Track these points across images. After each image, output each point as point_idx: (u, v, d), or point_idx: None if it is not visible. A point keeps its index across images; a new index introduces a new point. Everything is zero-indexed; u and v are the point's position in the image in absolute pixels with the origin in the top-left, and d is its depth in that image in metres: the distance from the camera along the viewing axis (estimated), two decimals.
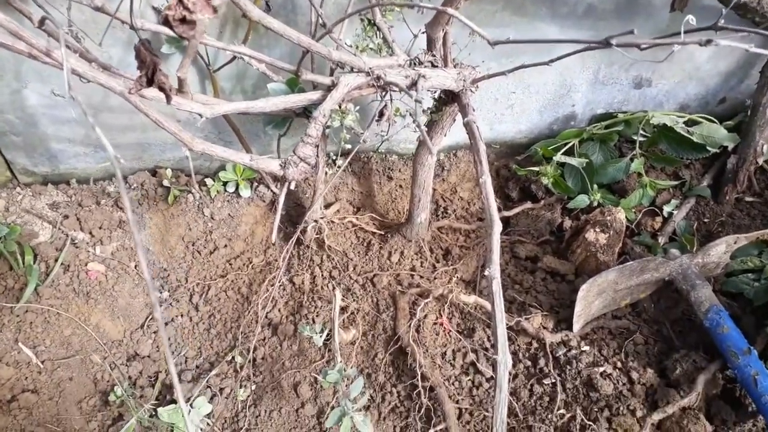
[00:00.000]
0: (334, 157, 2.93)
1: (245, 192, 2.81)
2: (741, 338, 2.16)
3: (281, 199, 1.96)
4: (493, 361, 1.58)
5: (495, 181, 3.15)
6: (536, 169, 2.89)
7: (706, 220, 2.90)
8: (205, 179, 2.85)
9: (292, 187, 2.05)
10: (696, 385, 2.18)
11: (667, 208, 2.90)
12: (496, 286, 1.61)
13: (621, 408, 2.24)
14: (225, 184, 2.82)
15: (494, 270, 1.64)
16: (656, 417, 2.17)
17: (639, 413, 2.23)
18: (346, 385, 2.08)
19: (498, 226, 1.79)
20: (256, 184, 2.87)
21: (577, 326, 2.39)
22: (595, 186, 2.85)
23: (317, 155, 2.58)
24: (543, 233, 2.85)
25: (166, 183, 2.76)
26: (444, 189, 3.09)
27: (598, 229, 2.52)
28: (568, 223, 2.85)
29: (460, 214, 3.03)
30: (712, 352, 2.32)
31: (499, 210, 2.96)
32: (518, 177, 3.04)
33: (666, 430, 2.16)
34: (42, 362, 2.22)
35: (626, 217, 2.62)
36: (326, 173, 2.88)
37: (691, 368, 2.26)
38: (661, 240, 2.73)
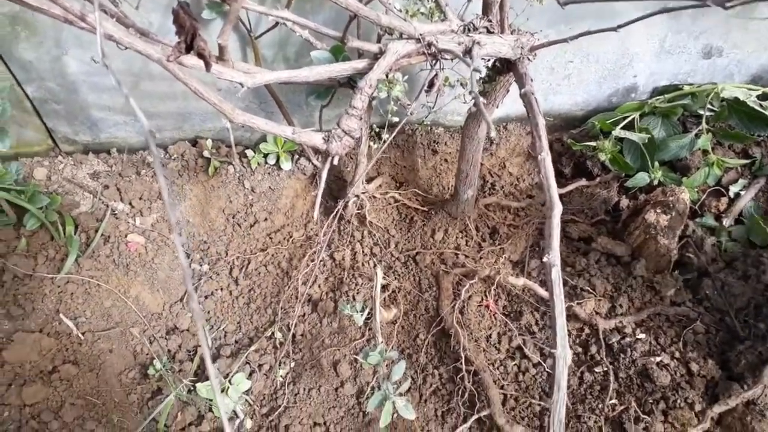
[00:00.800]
0: (377, 130, 2.82)
1: (286, 165, 2.73)
2: None
3: (323, 175, 1.87)
4: (549, 353, 1.46)
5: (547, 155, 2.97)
6: (593, 144, 2.71)
7: None
8: (246, 150, 2.78)
9: (335, 162, 1.96)
10: (762, 378, 2.03)
11: (733, 189, 2.69)
12: (556, 275, 1.49)
13: (678, 400, 2.11)
14: (266, 156, 2.74)
15: (554, 257, 1.52)
16: (717, 410, 2.03)
17: (698, 407, 2.09)
18: (387, 367, 2.01)
19: (558, 208, 1.65)
20: (297, 156, 2.79)
21: None
22: (656, 163, 2.65)
23: (362, 128, 2.48)
24: (598, 213, 2.68)
25: (206, 154, 2.71)
26: (492, 164, 2.94)
27: (659, 210, 2.35)
28: (625, 202, 2.67)
29: (508, 190, 2.88)
30: None
31: None
32: (572, 152, 2.86)
33: (727, 426, 2.03)
34: (82, 334, 2.22)
35: (690, 197, 2.43)
36: (369, 147, 2.78)
37: (756, 361, 2.10)
38: (726, 222, 2.53)
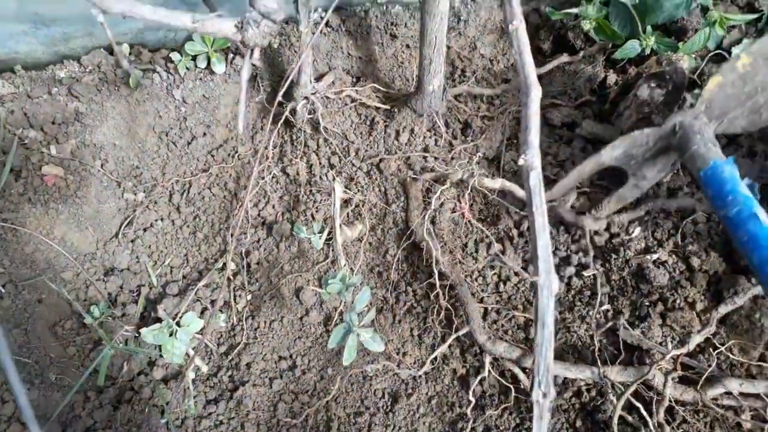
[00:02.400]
0: (322, 14, 2.38)
1: (219, 67, 2.31)
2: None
3: (245, 74, 1.50)
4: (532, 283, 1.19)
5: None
6: (574, 11, 2.30)
7: None
8: (171, 54, 2.34)
9: (257, 55, 1.58)
10: None
11: (735, 51, 2.32)
12: (535, 180, 1.20)
13: (678, 301, 1.91)
14: (194, 58, 2.32)
15: (532, 157, 1.22)
16: (723, 310, 1.82)
17: (700, 306, 1.89)
18: (352, 294, 1.77)
19: (536, 91, 1.32)
20: (232, 56, 2.36)
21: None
22: (648, 28, 2.25)
23: (297, 12, 2.06)
24: (582, 93, 2.34)
25: (124, 63, 2.28)
26: (461, 45, 2.53)
27: (653, 84, 2.00)
28: (613, 78, 2.31)
29: (481, 75, 2.50)
30: None
31: None
32: (552, 23, 2.44)
33: (733, 325, 1.83)
34: (3, 286, 1.93)
35: (690, 65, 2.08)
36: (312, 35, 2.35)
37: None
38: None
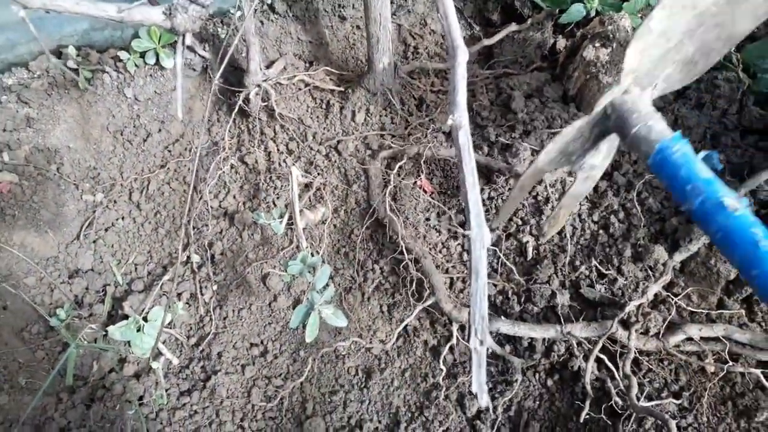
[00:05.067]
0: (269, 1, 2.38)
1: (168, 62, 2.30)
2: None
3: (179, 59, 1.50)
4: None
5: (472, 2, 2.58)
6: None
7: None
8: (119, 53, 2.33)
9: (188, 41, 1.58)
10: None
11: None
12: (464, 138, 1.21)
13: (636, 253, 1.93)
14: (143, 55, 2.30)
15: (459, 116, 1.23)
16: (678, 258, 1.85)
17: (658, 257, 1.92)
18: (314, 275, 1.77)
19: (463, 55, 1.33)
20: (181, 50, 2.35)
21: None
22: None
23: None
24: (534, 60, 2.36)
25: (72, 64, 2.26)
26: (411, 23, 2.54)
27: (597, 44, 2.03)
28: (562, 43, 2.33)
29: (433, 51, 2.51)
30: (742, 173, 1.94)
31: (479, 39, 2.44)
32: None
33: (690, 273, 1.86)
34: None
35: (632, 23, 2.10)
36: (262, 23, 2.36)
37: None
38: None
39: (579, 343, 1.89)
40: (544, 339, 1.93)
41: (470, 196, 1.11)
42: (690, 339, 1.79)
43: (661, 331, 1.80)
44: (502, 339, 2.00)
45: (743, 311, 1.80)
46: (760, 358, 1.75)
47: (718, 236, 1.11)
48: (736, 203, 1.08)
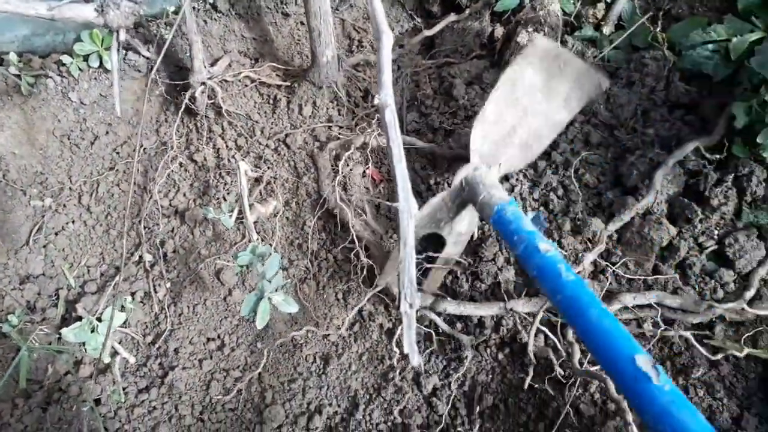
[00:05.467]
0: (211, 1, 2.40)
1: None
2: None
3: (114, 56, 1.52)
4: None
5: None
6: None
7: None
8: (62, 57, 2.32)
9: (122, 37, 1.60)
10: (654, 184, 1.92)
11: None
12: (390, 116, 1.27)
13: (574, 225, 2.01)
14: (86, 58, 2.30)
15: (386, 95, 1.28)
16: (612, 227, 1.94)
17: (594, 227, 2.00)
18: (262, 264, 1.80)
19: (388, 38, 1.38)
20: (125, 52, 2.36)
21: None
22: None
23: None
24: (473, 48, 2.43)
25: (14, 70, 2.24)
26: (354, 17, 2.59)
27: (530, 29, 2.11)
28: (500, 30, 2.41)
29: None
30: (671, 145, 2.04)
31: (420, 30, 2.50)
32: None
33: (627, 242, 1.95)
34: None
35: (562, 8, 2.19)
36: (205, 22, 2.38)
37: (648, 169, 1.99)
38: (606, 30, 2.32)
39: (522, 318, 1.96)
40: (492, 315, 2.00)
41: (397, 170, 1.17)
42: (626, 307, 1.86)
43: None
44: (453, 318, 2.06)
45: (677, 275, 1.89)
46: (692, 321, 1.84)
47: (534, 272, 1.41)
48: (548, 246, 1.42)
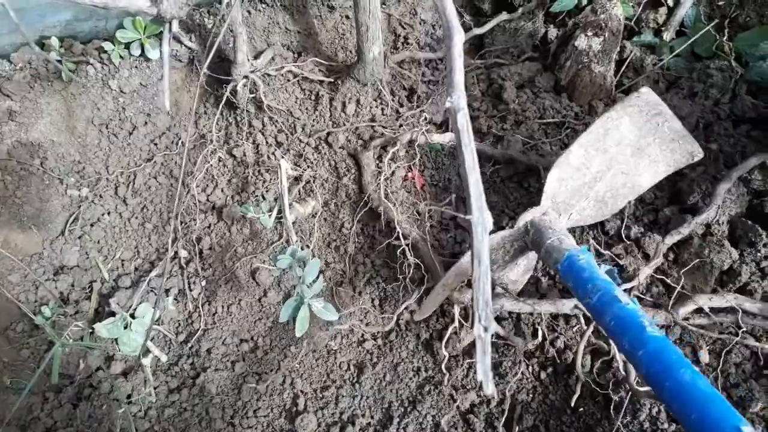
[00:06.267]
0: None
1: (154, 53, 2.24)
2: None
3: (165, 48, 1.46)
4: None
5: None
6: None
7: (720, 2, 2.31)
8: (103, 44, 2.27)
9: (175, 28, 1.54)
10: (715, 198, 1.81)
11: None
12: (462, 120, 1.18)
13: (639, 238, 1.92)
14: (128, 46, 2.25)
15: (458, 97, 1.20)
16: (669, 241, 1.82)
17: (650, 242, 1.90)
18: (302, 269, 1.74)
19: (459, 35, 1.30)
20: (168, 37, 2.30)
21: None
22: None
23: None
24: (524, 49, 2.33)
25: (55, 56, 2.20)
26: (401, 12, 2.50)
27: (590, 33, 2.00)
28: (554, 32, 2.31)
29: (424, 41, 2.48)
30: (735, 162, 1.93)
31: (470, 28, 2.41)
32: None
33: (684, 263, 1.84)
34: None
35: (623, 12, 2.08)
36: (249, 13, 2.31)
37: (708, 185, 1.88)
38: (667, 36, 2.21)
39: (570, 338, 1.88)
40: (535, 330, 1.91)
41: (471, 179, 1.09)
42: (700, 310, 1.74)
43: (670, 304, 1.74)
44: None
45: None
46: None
47: (611, 324, 1.28)
48: (627, 298, 1.31)
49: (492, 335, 1.83)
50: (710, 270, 1.79)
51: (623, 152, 1.69)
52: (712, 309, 1.73)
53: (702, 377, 1.05)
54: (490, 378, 0.97)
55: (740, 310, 1.69)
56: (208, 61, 1.62)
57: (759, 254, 1.80)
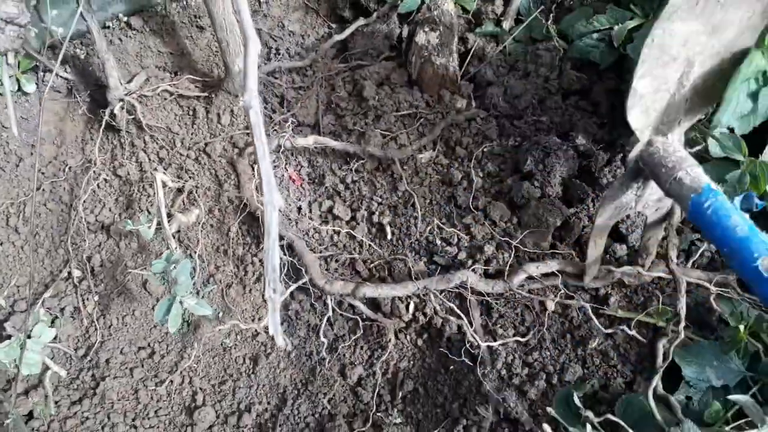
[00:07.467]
0: (126, 19, 2.46)
1: (30, 86, 2.36)
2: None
3: (6, 82, 1.59)
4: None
5: (325, 2, 2.73)
6: None
7: None
8: None
9: (12, 60, 1.67)
10: (547, 167, 2.04)
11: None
12: (255, 117, 1.34)
13: (483, 215, 2.12)
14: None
15: (249, 98, 1.36)
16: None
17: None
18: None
19: (255, 46, 1.46)
20: (42, 74, 2.41)
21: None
22: None
23: (84, 20, 2.14)
24: (382, 50, 2.52)
25: None
26: (270, 26, 2.67)
27: (427, 29, 2.21)
28: (406, 31, 2.51)
29: (294, 51, 2.66)
30: (566, 131, 2.16)
31: (331, 35, 2.60)
32: None
33: (526, 225, 2.06)
34: None
35: (462, 6, 2.29)
36: (121, 40, 2.44)
37: (542, 155, 2.08)
38: (506, 25, 2.44)
39: (435, 295, 2.04)
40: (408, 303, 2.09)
41: (262, 166, 1.25)
42: (531, 277, 1.94)
43: (506, 272, 1.94)
44: (369, 306, 2.14)
45: (573, 252, 2.01)
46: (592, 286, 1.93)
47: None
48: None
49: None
50: (546, 228, 2.01)
51: (698, 42, 1.35)
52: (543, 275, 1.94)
53: None
54: (280, 332, 1.14)
55: (560, 274, 1.92)
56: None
57: (589, 209, 2.03)
